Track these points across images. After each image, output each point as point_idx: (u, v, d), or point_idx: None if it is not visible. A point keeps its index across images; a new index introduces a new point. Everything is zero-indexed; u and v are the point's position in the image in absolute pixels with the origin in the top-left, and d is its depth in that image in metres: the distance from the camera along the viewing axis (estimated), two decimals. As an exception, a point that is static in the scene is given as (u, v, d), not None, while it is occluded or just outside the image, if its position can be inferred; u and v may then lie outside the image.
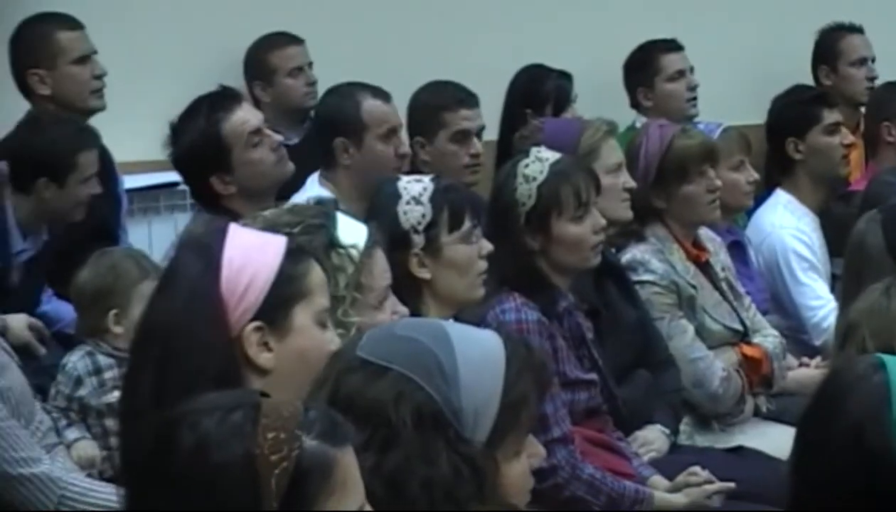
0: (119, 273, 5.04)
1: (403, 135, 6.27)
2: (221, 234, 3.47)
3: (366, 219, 4.21)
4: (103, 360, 4.98)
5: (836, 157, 6.98)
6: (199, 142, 5.70)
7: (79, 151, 5.98)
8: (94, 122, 6.65)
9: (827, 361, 5.94)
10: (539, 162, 5.05)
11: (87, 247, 5.47)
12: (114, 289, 5.01)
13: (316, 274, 3.53)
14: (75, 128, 6.15)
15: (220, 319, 3.36)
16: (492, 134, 7.32)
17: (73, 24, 6.65)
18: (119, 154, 6.86)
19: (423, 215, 4.60)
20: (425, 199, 4.63)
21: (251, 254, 3.45)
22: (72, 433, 4.96)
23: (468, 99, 6.93)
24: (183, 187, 6.76)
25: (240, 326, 3.38)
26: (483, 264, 4.68)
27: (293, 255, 3.50)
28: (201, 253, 3.47)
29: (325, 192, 5.87)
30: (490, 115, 7.28)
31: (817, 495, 3.10)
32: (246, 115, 5.79)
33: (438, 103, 6.92)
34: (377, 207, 4.56)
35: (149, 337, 3.47)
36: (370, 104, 6.20)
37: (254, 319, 3.39)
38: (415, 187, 4.67)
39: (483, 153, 6.90)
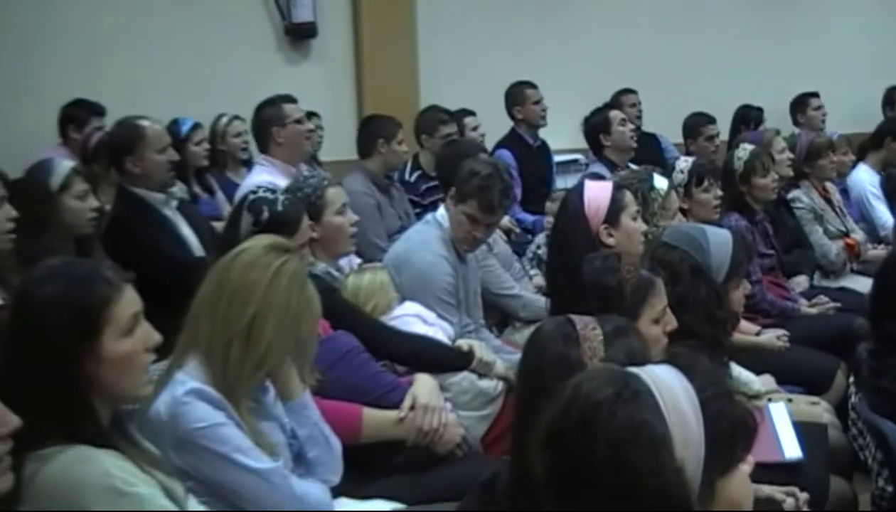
0: None
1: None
2: (582, 187, 3.45)
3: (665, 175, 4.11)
4: None
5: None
6: (597, 121, 5.75)
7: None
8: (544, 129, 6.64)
9: (888, 246, 5.62)
10: (745, 150, 4.89)
11: (539, 191, 5.53)
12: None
13: (628, 196, 3.46)
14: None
15: (587, 228, 3.34)
16: (724, 136, 7.04)
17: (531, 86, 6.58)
18: (552, 143, 6.75)
19: (684, 179, 4.48)
20: (686, 170, 4.50)
21: (597, 194, 3.41)
22: (533, 271, 4.92)
23: (711, 118, 6.78)
24: (582, 159, 6.71)
25: (596, 230, 3.35)
26: (717, 202, 4.53)
27: (616, 189, 3.45)
28: (578, 193, 3.43)
29: None
30: (721, 127, 7.01)
31: (887, 309, 2.97)
32: (618, 112, 5.87)
33: (699, 122, 6.77)
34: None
35: (559, 229, 3.42)
36: None
37: (602, 223, 3.36)
38: (682, 164, 4.57)
39: (720, 146, 6.71)
